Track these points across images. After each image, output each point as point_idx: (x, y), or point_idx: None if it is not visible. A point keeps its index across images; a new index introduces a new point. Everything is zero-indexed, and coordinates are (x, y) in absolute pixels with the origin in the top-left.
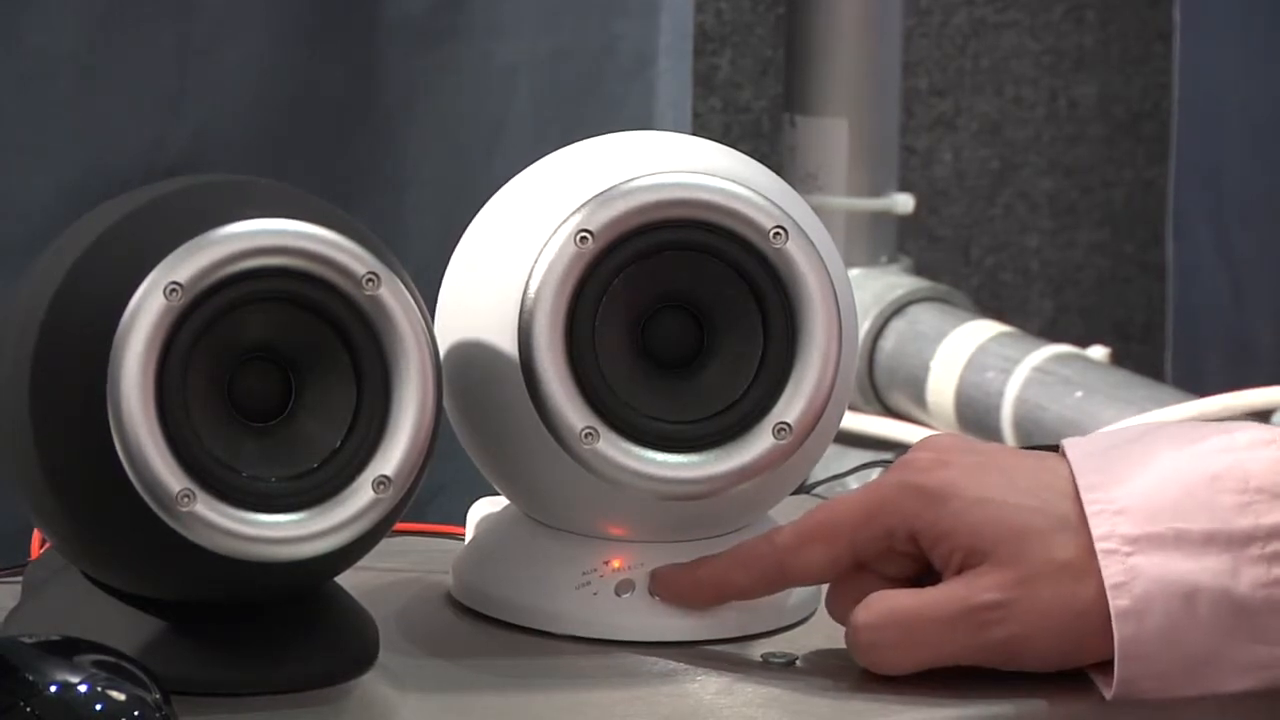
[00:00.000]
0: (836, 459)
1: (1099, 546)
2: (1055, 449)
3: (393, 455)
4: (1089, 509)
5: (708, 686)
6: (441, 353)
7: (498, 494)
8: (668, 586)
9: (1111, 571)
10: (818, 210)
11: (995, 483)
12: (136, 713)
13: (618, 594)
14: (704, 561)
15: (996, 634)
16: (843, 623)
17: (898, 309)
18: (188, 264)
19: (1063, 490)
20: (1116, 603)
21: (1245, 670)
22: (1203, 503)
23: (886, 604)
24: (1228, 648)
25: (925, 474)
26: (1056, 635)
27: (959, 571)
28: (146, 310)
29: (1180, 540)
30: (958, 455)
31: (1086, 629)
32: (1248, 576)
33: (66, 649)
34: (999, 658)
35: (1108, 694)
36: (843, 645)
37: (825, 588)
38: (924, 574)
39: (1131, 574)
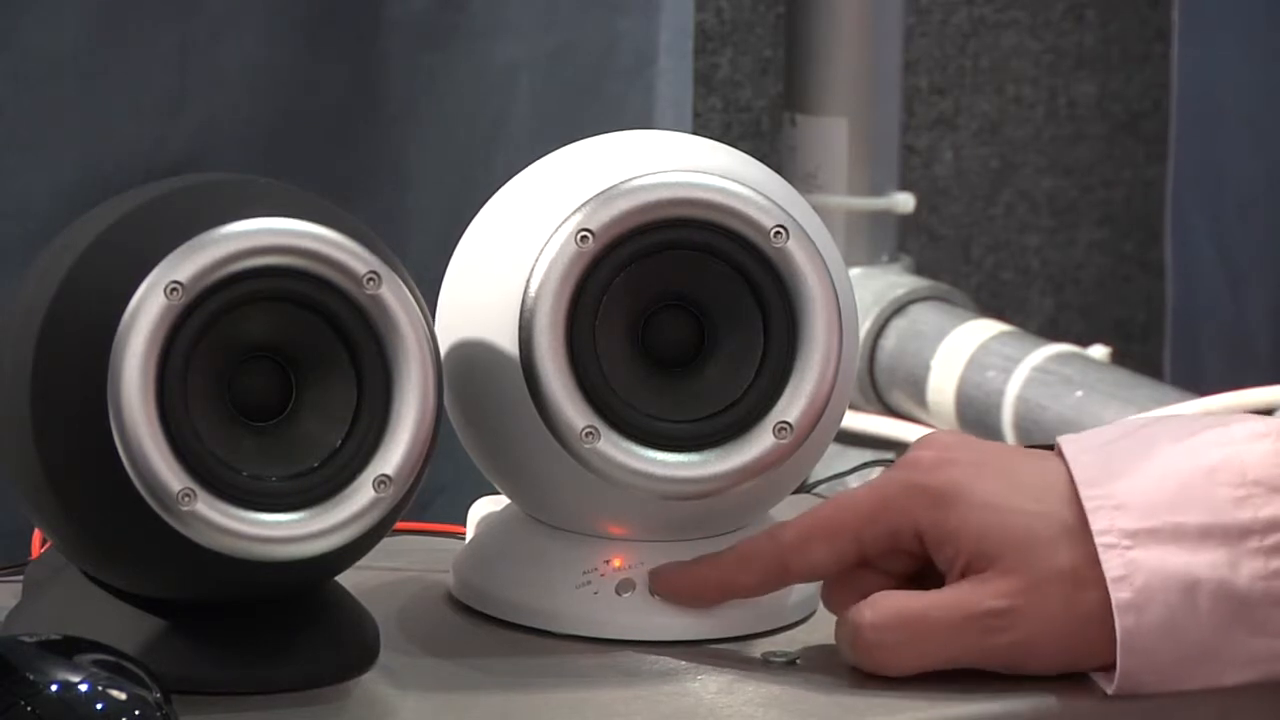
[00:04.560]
0: (836, 458)
1: (1099, 541)
2: (1052, 448)
3: (393, 454)
4: (1088, 505)
5: (708, 686)
6: (442, 352)
7: (498, 493)
8: (669, 585)
9: (1112, 565)
10: (818, 209)
11: (999, 486)
12: (137, 712)
13: (618, 593)
14: (706, 560)
15: (1001, 640)
16: (837, 614)
17: (898, 308)
18: (188, 263)
19: (1063, 493)
20: (1118, 595)
21: (1246, 663)
22: (1200, 496)
23: (893, 605)
24: (1228, 641)
25: (930, 474)
26: (1060, 641)
27: (963, 575)
28: (147, 310)
29: (1178, 534)
30: (961, 453)
31: (1090, 635)
32: (1247, 569)
33: (67, 648)
34: (1002, 663)
35: (1109, 688)
36: None
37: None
38: (922, 570)
39: (1132, 567)
